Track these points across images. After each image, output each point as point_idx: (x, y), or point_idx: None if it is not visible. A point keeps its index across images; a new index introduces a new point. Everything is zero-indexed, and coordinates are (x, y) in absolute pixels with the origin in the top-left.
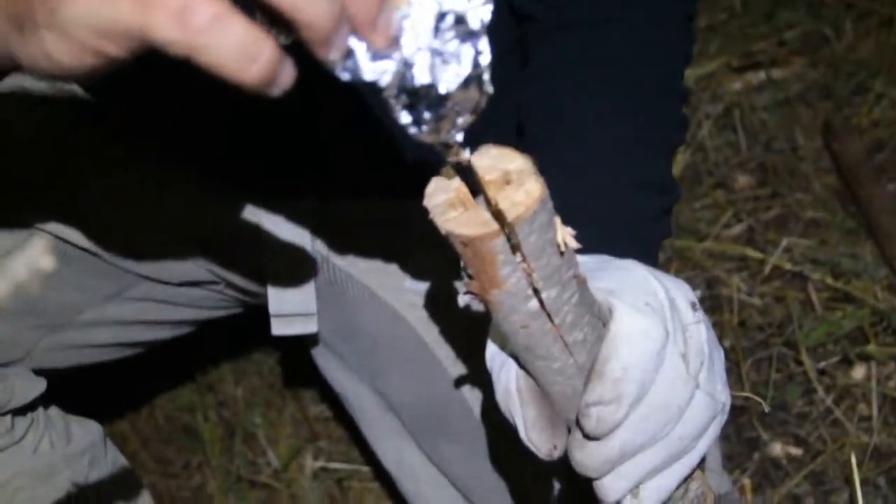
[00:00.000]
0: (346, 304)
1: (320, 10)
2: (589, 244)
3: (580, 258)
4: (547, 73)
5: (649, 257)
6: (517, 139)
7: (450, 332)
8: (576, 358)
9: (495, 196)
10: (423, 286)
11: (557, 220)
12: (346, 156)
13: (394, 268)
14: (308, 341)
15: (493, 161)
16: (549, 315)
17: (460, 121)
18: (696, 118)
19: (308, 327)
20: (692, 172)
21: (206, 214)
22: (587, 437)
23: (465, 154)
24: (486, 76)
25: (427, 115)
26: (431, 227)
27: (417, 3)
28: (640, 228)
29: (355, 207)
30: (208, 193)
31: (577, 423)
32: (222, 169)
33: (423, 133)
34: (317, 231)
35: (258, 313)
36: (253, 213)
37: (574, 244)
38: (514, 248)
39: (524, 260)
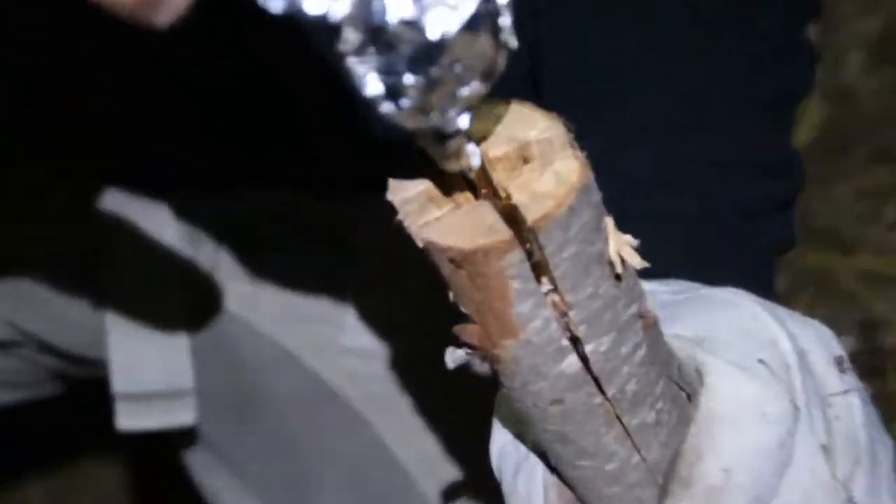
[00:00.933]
0: (245, 375)
1: None
2: (661, 262)
3: (648, 286)
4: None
5: (760, 282)
6: (530, 95)
7: (419, 415)
8: (644, 454)
9: (506, 184)
10: (373, 342)
11: (609, 222)
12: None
13: (325, 312)
14: (179, 441)
15: (503, 126)
16: (597, 381)
17: (464, 91)
18: (836, 45)
19: (178, 416)
20: (831, 137)
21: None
22: None
23: (474, 155)
24: (506, 18)
25: (409, 78)
26: (397, 237)
27: None
28: (742, 234)
29: (260, 207)
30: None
31: None
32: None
33: (402, 112)
34: (189, 238)
35: (93, 394)
36: (97, 214)
37: (638, 262)
38: (539, 269)
39: (555, 289)
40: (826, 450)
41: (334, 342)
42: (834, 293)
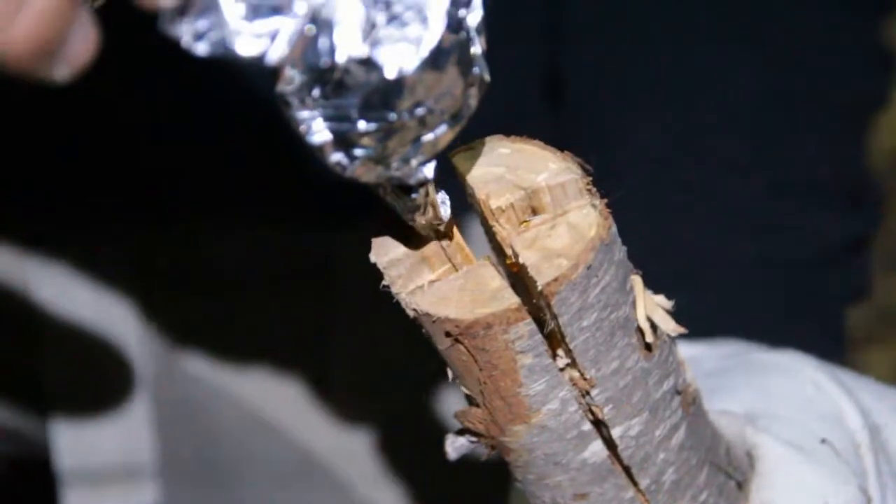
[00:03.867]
0: (217, 447)
1: None
2: (702, 322)
3: (689, 350)
4: None
5: (828, 339)
6: (547, 115)
7: (416, 489)
8: None
9: (512, 240)
10: (361, 404)
11: (637, 281)
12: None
13: (305, 371)
14: None
15: (505, 168)
16: (627, 471)
17: (428, 137)
18: None
19: (137, 500)
20: None
21: None
22: None
23: (444, 205)
24: (478, 46)
25: (363, 125)
26: (380, 299)
27: None
28: (808, 282)
29: (224, 250)
30: None
31: None
32: None
33: (355, 162)
34: (145, 290)
35: (31, 477)
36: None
37: (673, 327)
38: (554, 340)
39: (572, 364)
40: None
41: (316, 408)
42: None
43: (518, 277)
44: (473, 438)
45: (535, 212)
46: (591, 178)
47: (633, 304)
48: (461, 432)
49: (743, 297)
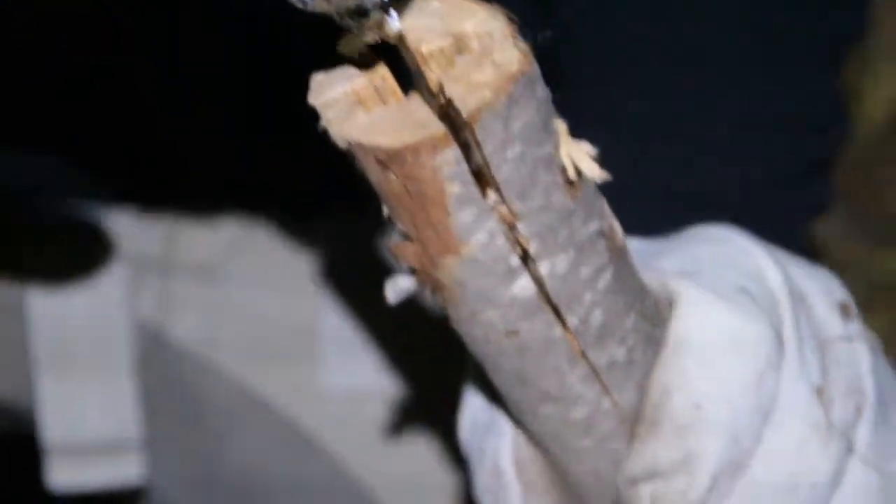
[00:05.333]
0: (204, 422)
1: None
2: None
3: (632, 243)
4: None
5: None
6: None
7: (412, 465)
8: (615, 397)
9: (440, 77)
10: (356, 380)
11: (561, 125)
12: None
13: (298, 347)
14: (121, 502)
15: (437, 19)
16: (555, 310)
17: None
18: None
19: (122, 472)
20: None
21: None
22: None
23: (393, 23)
24: None
25: None
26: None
27: None
28: (767, 202)
29: (217, 226)
30: None
31: None
32: None
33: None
34: (134, 263)
35: (18, 452)
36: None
37: (597, 172)
38: (482, 180)
39: (499, 199)
40: (821, 393)
41: (310, 382)
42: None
43: (446, 113)
44: (411, 279)
45: (461, 53)
46: (516, 27)
47: (557, 145)
48: (403, 274)
49: (709, 218)
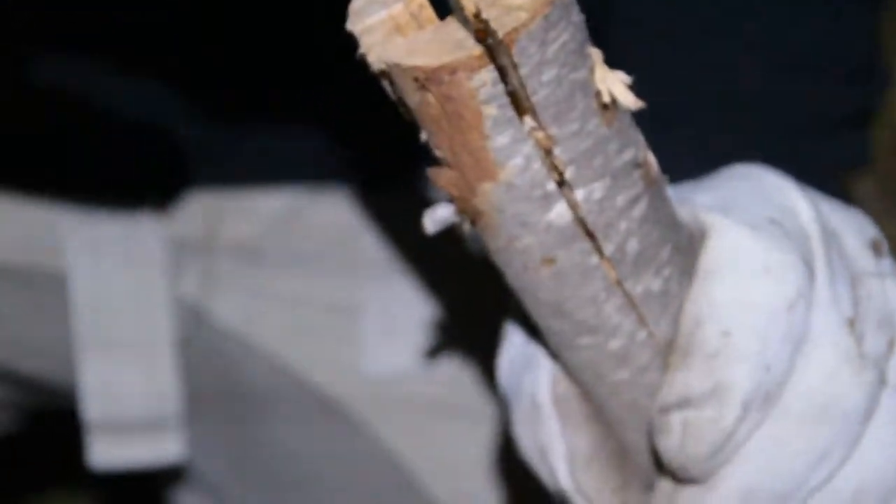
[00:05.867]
0: (245, 403)
1: None
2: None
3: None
4: None
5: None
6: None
7: (457, 448)
8: (652, 328)
9: (476, 1)
10: (399, 363)
11: (596, 53)
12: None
13: (340, 329)
14: (164, 482)
15: None
16: (592, 237)
17: None
18: None
19: (162, 451)
20: None
21: None
22: (678, 479)
23: None
24: None
25: None
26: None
27: None
28: (805, 151)
29: (259, 207)
30: None
31: (660, 460)
32: None
33: None
34: (175, 242)
35: (60, 429)
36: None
37: (632, 101)
38: (518, 105)
39: (536, 124)
40: (852, 325)
41: (352, 363)
42: None
43: (481, 35)
44: (450, 208)
45: None
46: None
47: (592, 70)
48: (442, 202)
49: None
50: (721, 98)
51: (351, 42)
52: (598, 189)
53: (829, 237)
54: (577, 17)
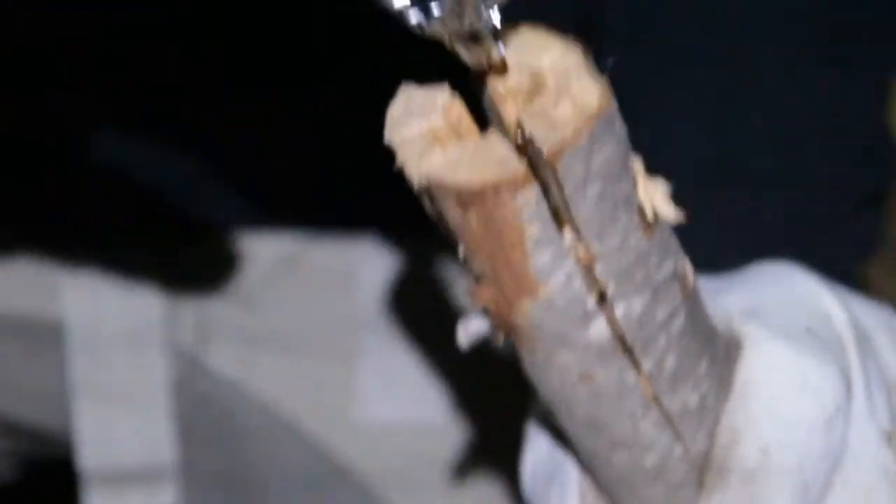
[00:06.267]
0: (239, 450)
1: None
2: (715, 272)
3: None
4: None
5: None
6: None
7: (452, 498)
8: (688, 444)
9: (519, 114)
10: (392, 411)
11: (637, 163)
12: None
13: (334, 377)
14: None
15: (512, 53)
16: (630, 353)
17: None
18: None
19: (158, 497)
20: None
21: None
22: None
23: (501, 49)
24: None
25: None
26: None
27: None
28: (819, 235)
29: (255, 252)
30: None
31: None
32: None
33: (434, 22)
34: (171, 290)
35: (54, 480)
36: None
37: (673, 213)
38: (558, 218)
39: (577, 239)
40: (890, 438)
41: (346, 413)
42: None
43: (525, 151)
44: (485, 321)
45: (539, 91)
46: (592, 61)
47: (634, 182)
48: (474, 315)
49: (755, 251)
50: (729, 176)
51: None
52: (638, 304)
53: (864, 342)
54: (621, 127)
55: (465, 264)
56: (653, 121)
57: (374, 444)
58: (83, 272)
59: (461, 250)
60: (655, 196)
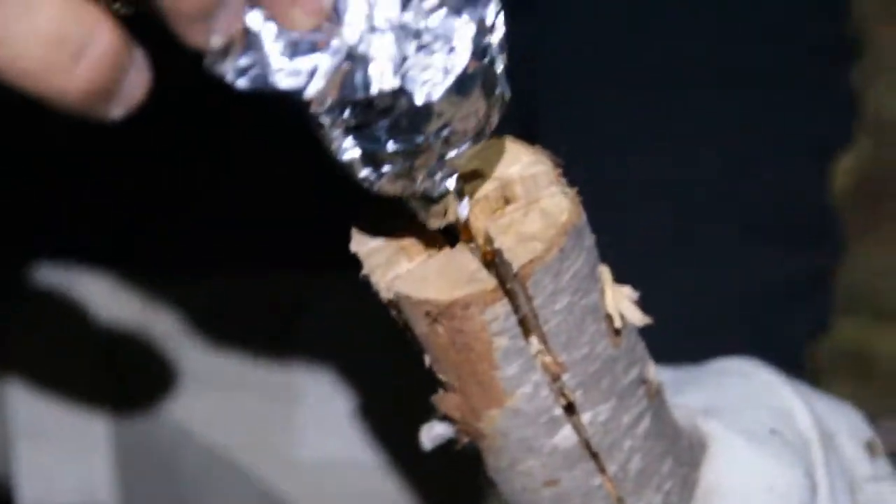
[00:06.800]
0: (181, 489)
1: None
2: (665, 355)
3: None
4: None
5: (788, 368)
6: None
7: None
8: None
9: (487, 226)
10: (334, 452)
11: (605, 271)
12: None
13: (275, 418)
14: None
15: (481, 162)
16: (596, 457)
17: (452, 154)
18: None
19: None
20: (872, 181)
21: None
22: None
23: (462, 210)
24: (500, 64)
25: (392, 146)
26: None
27: None
28: (769, 317)
29: (192, 293)
30: None
31: None
32: None
33: (384, 180)
34: (115, 333)
35: None
36: None
37: (639, 318)
38: (526, 327)
39: (545, 349)
40: None
41: (287, 451)
42: (874, 371)
43: (492, 265)
44: (449, 426)
45: (507, 202)
46: (561, 170)
47: (602, 291)
48: (441, 421)
49: (704, 333)
50: (678, 256)
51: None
52: (604, 411)
53: (827, 441)
54: (589, 240)
55: (431, 372)
56: (605, 204)
57: (314, 481)
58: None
59: (427, 359)
60: (622, 303)
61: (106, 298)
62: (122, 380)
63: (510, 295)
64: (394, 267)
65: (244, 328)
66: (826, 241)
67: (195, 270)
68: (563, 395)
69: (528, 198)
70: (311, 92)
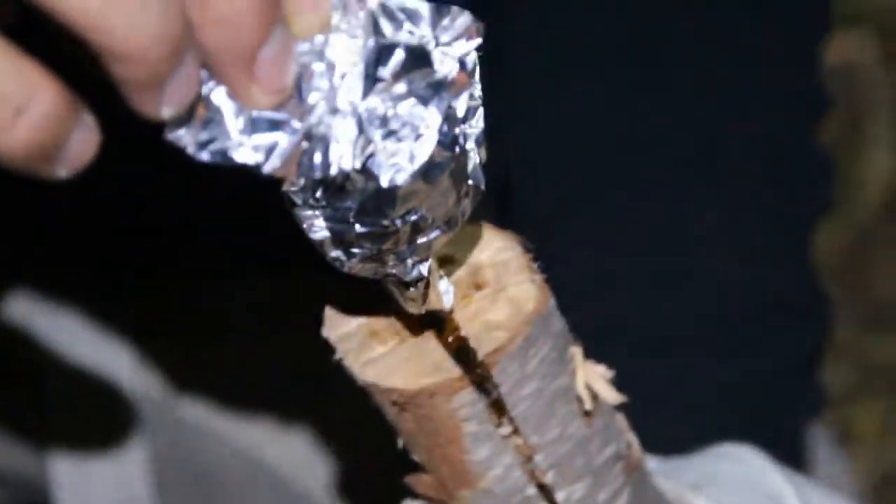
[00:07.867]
0: (218, 495)
1: (136, 19)
2: (657, 442)
3: (650, 463)
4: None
5: (784, 455)
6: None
7: None
8: None
9: (455, 314)
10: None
11: (577, 352)
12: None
13: (300, 419)
14: None
15: (454, 248)
16: None
17: (423, 240)
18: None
19: None
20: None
21: None
22: None
23: (447, 294)
24: (475, 158)
25: (359, 228)
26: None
27: (338, 26)
28: (762, 403)
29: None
30: None
31: None
32: None
33: (354, 261)
34: (142, 347)
35: None
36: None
37: (614, 396)
38: (498, 408)
39: (515, 431)
40: None
41: (318, 455)
42: (865, 454)
43: (461, 352)
44: (420, 502)
45: (478, 287)
46: (531, 256)
47: (573, 373)
48: (414, 497)
49: (699, 419)
50: (667, 346)
51: None
52: (579, 489)
53: None
54: (558, 324)
55: (406, 453)
56: (593, 292)
57: (343, 486)
58: (60, 319)
59: (400, 442)
60: (596, 382)
61: (132, 310)
62: (154, 385)
63: (481, 380)
64: (366, 351)
65: (275, 331)
66: (813, 318)
67: (225, 274)
68: (536, 475)
69: (497, 285)
70: (268, 169)
